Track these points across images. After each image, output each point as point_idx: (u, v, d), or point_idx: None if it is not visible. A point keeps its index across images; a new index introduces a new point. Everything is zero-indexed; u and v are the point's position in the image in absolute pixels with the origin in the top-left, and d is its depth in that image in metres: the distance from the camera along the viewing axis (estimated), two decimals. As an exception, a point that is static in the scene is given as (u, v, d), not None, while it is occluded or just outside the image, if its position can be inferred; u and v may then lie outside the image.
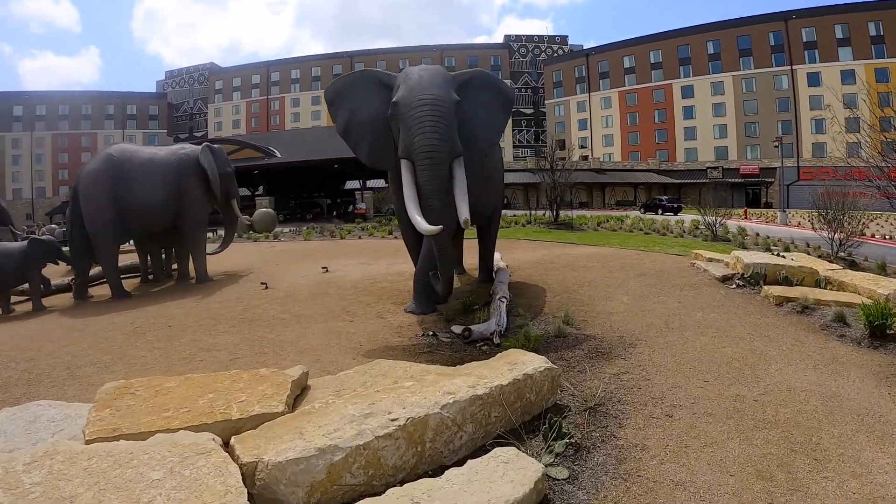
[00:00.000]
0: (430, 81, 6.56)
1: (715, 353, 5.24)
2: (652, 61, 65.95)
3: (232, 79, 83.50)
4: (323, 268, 11.87)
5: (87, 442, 3.17)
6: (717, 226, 17.12)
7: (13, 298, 10.52)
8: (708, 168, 58.75)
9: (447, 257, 6.96)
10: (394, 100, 6.58)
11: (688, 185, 53.53)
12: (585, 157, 66.34)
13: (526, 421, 3.75)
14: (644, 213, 38.07)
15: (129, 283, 12.07)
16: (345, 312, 8.04)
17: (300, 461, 2.74)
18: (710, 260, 9.99)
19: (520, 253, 13.44)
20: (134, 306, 9.57)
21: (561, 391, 4.31)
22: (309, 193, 44.87)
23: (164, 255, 12.98)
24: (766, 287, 7.59)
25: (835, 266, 9.24)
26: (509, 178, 53.87)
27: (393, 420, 3.06)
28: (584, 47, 77.36)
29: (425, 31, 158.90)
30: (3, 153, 71.85)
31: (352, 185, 46.94)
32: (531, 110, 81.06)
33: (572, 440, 3.40)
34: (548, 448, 3.31)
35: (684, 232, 18.05)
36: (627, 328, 6.34)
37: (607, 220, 22.31)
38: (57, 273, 12.37)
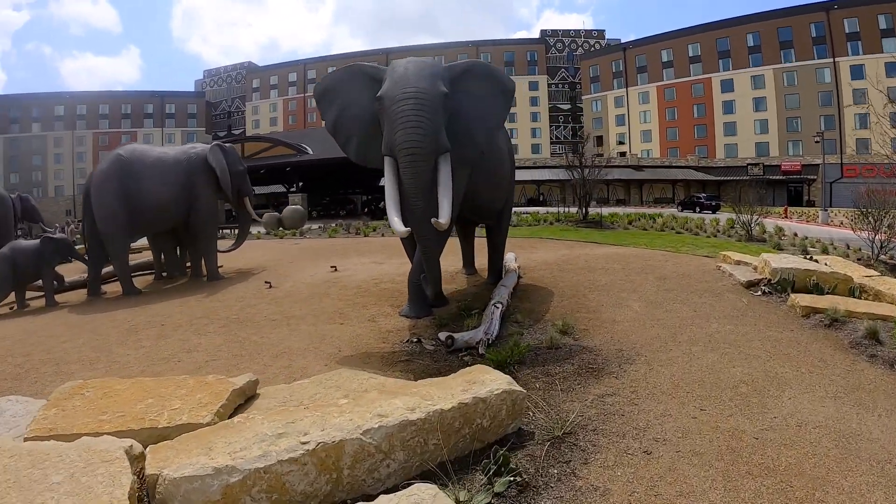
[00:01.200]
0: (415, 74, 6.15)
1: (721, 374, 4.60)
2: (690, 55, 63.48)
3: (269, 77, 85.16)
4: (332, 267, 11.60)
5: (25, 439, 3.17)
6: (752, 225, 16.02)
7: (29, 294, 10.68)
8: (748, 165, 56.09)
9: (433, 260, 6.58)
10: (378, 94, 6.19)
11: (727, 182, 51.26)
12: (623, 154, 64.46)
13: (477, 449, 3.28)
14: (681, 211, 36.56)
15: (143, 280, 12.23)
16: (338, 314, 7.72)
17: (195, 479, 2.53)
18: (738, 263, 9.18)
19: (539, 253, 12.85)
20: (139, 304, 9.58)
21: (532, 413, 3.80)
22: (344, 190, 45.06)
23: (178, 253, 12.95)
24: (793, 295, 6.80)
25: (872, 273, 8.26)
26: (544, 174, 53.66)
27: (304, 443, 2.76)
28: (622, 41, 74.99)
29: (463, 27, 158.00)
30: (45, 152, 75.58)
31: None
32: (568, 106, 79.38)
33: (519, 478, 2.89)
34: (487, 486, 2.82)
35: (718, 231, 17.00)
36: (629, 340, 5.74)
37: (639, 219, 21.31)
38: (77, 270, 12.51)
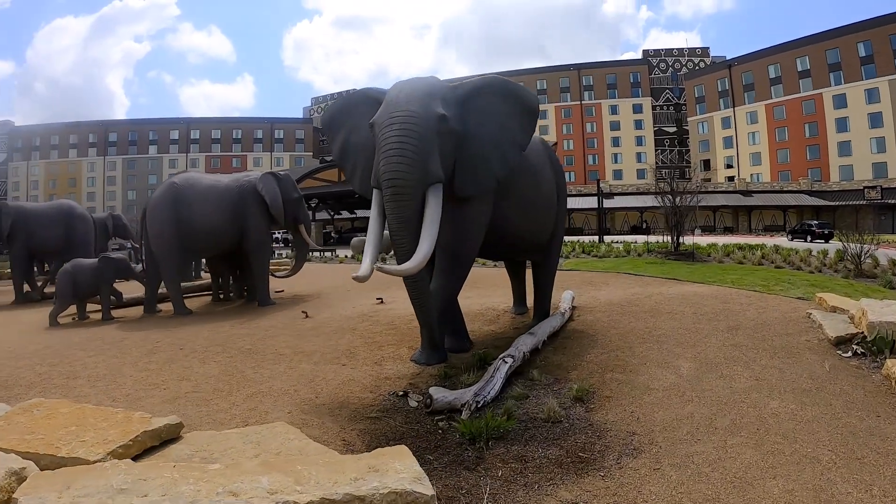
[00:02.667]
0: (408, 95, 5.57)
1: (753, 491, 3.28)
2: (799, 69, 57.42)
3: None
4: (378, 298, 11.09)
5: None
6: (863, 257, 13.31)
7: (90, 307, 11.35)
8: (865, 188, 49.23)
9: (422, 306, 5.85)
10: (370, 120, 5.65)
11: (843, 207, 45.09)
12: (732, 178, 59.25)
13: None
14: (791, 239, 32.34)
15: (200, 301, 12.69)
16: (347, 354, 7.20)
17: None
18: (834, 309, 7.35)
19: (607, 290, 11.52)
20: (179, 325, 9.82)
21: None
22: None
23: (236, 277, 13.27)
24: (890, 361, 5.07)
25: None
26: (648, 201, 50.56)
27: None
28: (727, 58, 69.59)
29: (570, 50, 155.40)
30: (160, 172, 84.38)
31: None
32: (674, 129, 74.95)
33: None
34: None
35: (824, 265, 14.33)
36: (652, 419, 4.52)
37: (737, 250, 18.79)
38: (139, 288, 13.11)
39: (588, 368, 6.00)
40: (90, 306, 11.22)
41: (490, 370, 5.39)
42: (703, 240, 25.95)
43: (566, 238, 39.72)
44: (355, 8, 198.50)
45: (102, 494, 2.66)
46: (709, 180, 56.82)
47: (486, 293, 11.53)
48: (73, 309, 10.97)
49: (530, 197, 7.19)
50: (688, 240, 19.65)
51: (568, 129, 78.53)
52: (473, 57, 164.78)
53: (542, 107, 77.49)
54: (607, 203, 51.26)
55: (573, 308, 9.06)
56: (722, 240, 26.12)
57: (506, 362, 5.53)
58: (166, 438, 3.85)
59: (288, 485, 2.72)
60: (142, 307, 11.49)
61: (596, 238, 34.92)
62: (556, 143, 51.29)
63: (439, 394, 4.89)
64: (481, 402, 4.82)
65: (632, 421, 4.49)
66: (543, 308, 8.41)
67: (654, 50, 79.10)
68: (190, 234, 10.97)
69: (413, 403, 5.11)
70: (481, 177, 5.93)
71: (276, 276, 13.16)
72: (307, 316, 9.78)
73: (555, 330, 7.41)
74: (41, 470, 3.10)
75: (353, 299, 11.47)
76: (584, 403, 4.91)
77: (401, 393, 5.42)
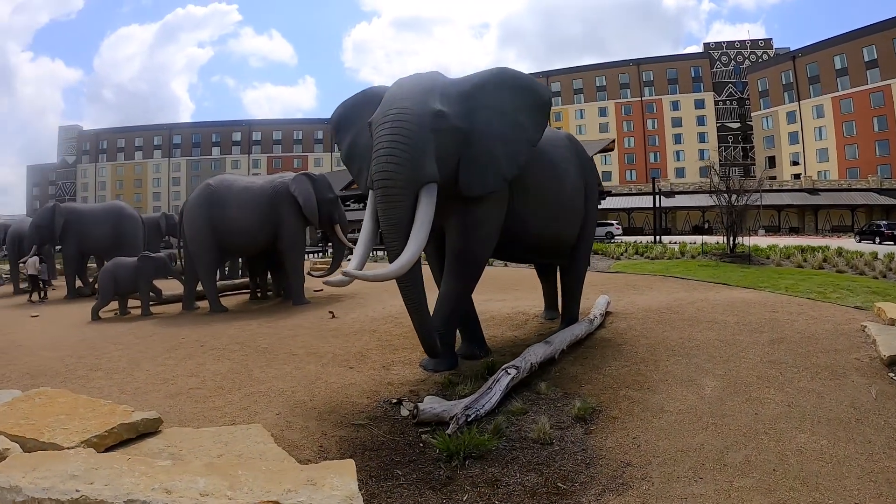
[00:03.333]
0: (405, 92, 5.36)
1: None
2: (866, 59, 52.42)
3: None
4: None
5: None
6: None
7: (131, 303, 11.91)
8: None
9: (417, 310, 5.53)
10: (368, 119, 5.49)
11: None
12: (798, 176, 55.48)
13: None
14: (859, 241, 29.73)
15: (238, 300, 13.02)
16: (358, 357, 7.10)
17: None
18: (893, 322, 6.53)
19: (649, 295, 10.90)
20: (209, 322, 10.11)
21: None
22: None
23: (273, 276, 13.48)
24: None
25: None
26: (709, 200, 47.92)
27: (76, 491, 2.74)
28: (791, 49, 65.03)
29: (629, 45, 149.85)
30: (224, 173, 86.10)
31: None
32: (737, 124, 70.76)
33: None
34: None
35: (889, 269, 12.93)
36: (655, 447, 4.06)
37: (799, 252, 17.40)
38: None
39: (603, 383, 5.55)
40: (133, 302, 11.69)
41: (489, 381, 5.07)
42: (765, 241, 24.25)
43: (624, 238, 38.70)
44: (413, 9, 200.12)
45: (56, 478, 2.87)
46: (774, 178, 53.35)
47: (519, 296, 11.10)
48: (116, 304, 11.52)
49: (551, 196, 6.77)
50: (748, 241, 18.40)
51: (628, 126, 75.63)
52: (532, 55, 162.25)
53: (601, 104, 75.53)
54: (668, 202, 49.43)
55: (607, 314, 8.55)
56: (784, 241, 24.28)
57: (508, 374, 5.17)
58: (144, 432, 4.03)
59: (221, 489, 2.77)
60: (181, 304, 11.90)
61: (654, 238, 33.60)
62: (613, 141, 49.50)
63: (429, 404, 4.62)
64: (472, 416, 4.52)
65: (631, 449, 4.04)
66: (571, 314, 7.94)
67: (714, 43, 74.84)
68: (224, 235, 11.30)
69: (405, 412, 4.89)
70: (488, 176, 5.60)
71: (311, 276, 13.28)
72: (333, 316, 9.78)
73: (577, 338, 6.94)
74: (24, 451, 3.41)
75: (386, 300, 11.32)
76: (586, 424, 4.51)
77: (394, 400, 5.22)
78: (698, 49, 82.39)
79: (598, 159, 54.02)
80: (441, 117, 5.16)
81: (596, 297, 9.20)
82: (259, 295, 13.22)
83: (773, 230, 45.82)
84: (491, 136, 5.61)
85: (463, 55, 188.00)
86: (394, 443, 4.26)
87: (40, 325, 10.61)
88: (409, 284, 5.34)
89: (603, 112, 75.79)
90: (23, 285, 16.39)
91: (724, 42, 74.54)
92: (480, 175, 5.56)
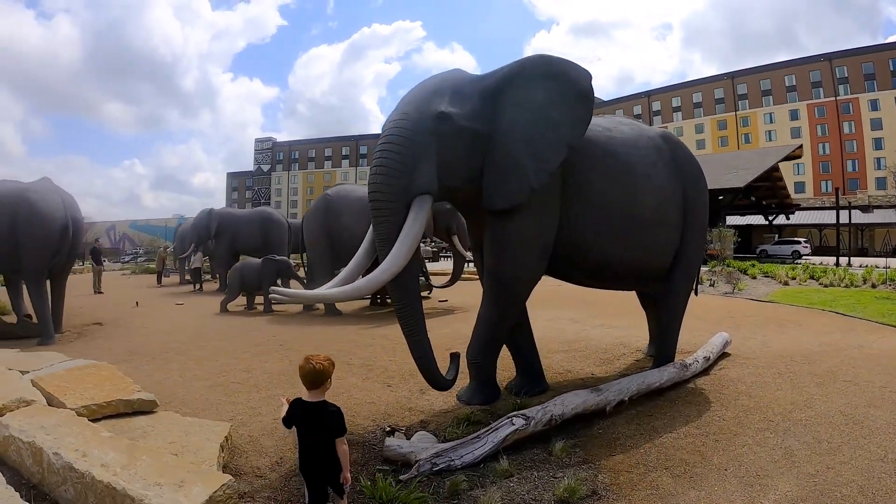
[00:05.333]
0: (410, 95, 5.04)
1: None
2: None
3: (614, 111, 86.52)
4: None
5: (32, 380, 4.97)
6: None
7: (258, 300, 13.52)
8: None
9: (409, 331, 5.01)
10: None
11: None
12: None
13: None
14: None
15: (359, 305, 13.72)
16: (406, 375, 6.95)
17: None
18: None
19: (792, 333, 9.02)
20: (310, 324, 10.99)
21: None
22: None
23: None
24: None
25: None
26: None
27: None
28: None
29: (823, 38, 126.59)
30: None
31: (748, 219, 42.45)
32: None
33: None
34: None
35: None
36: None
37: None
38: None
39: (639, 457, 4.34)
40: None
41: (485, 429, 4.41)
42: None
43: (811, 258, 32.66)
44: (591, 13, 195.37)
45: (32, 426, 3.74)
46: None
47: (633, 324, 9.53)
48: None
49: (618, 208, 5.67)
50: None
51: (822, 130, 65.44)
52: (719, 55, 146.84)
53: (792, 106, 67.44)
54: (863, 218, 45.14)
55: (721, 357, 7.21)
56: None
57: (512, 424, 4.40)
58: (139, 410, 4.65)
59: (118, 464, 3.24)
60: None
61: (845, 260, 28.47)
62: (800, 147, 42.34)
63: (396, 442, 4.26)
64: (441, 466, 3.93)
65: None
66: (664, 353, 6.64)
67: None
68: (339, 242, 12.22)
69: (392, 444, 4.57)
70: (511, 185, 4.93)
71: (430, 284, 13.72)
72: (423, 330, 9.82)
73: (650, 388, 5.84)
74: (47, 405, 4.40)
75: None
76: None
77: (387, 429, 4.86)
78: (899, 38, 67.42)
79: (788, 168, 46.95)
80: (444, 119, 4.71)
81: (729, 332, 7.81)
82: (378, 301, 13.83)
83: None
84: (514, 138, 4.95)
85: (646, 59, 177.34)
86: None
87: (177, 312, 12.78)
88: (404, 306, 4.93)
89: (794, 115, 67.41)
90: (187, 277, 20.13)
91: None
92: (502, 184, 4.93)
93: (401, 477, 3.89)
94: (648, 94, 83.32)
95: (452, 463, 4.07)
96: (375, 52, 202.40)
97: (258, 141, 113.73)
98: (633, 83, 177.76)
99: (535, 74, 5.12)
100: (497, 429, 4.41)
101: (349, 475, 3.12)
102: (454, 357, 5.50)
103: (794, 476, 3.87)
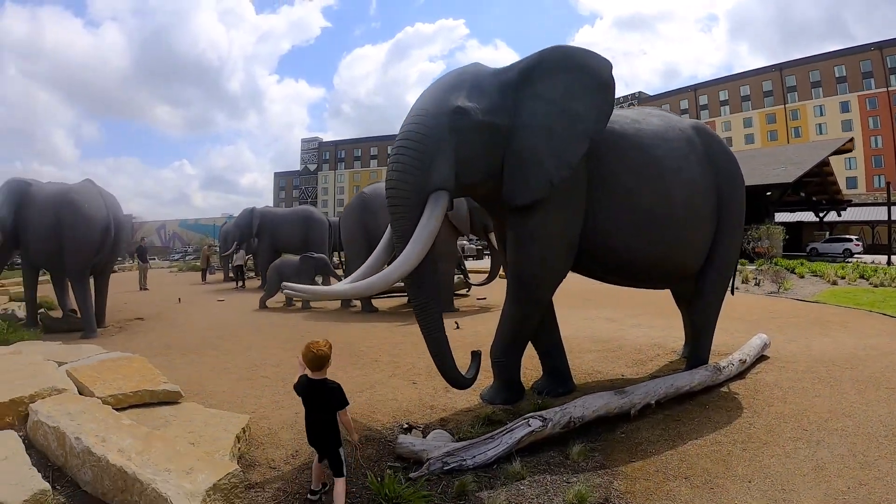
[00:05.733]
0: (428, 91, 5.00)
1: None
2: None
3: (660, 106, 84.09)
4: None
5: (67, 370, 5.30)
6: None
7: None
8: None
9: (428, 330, 4.94)
10: None
11: None
12: None
13: None
14: None
15: (397, 302, 13.81)
16: (433, 372, 6.80)
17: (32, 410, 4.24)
18: None
19: (836, 335, 8.57)
20: (344, 321, 11.24)
21: None
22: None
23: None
24: None
25: None
26: None
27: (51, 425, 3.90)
28: None
29: (873, 26, 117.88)
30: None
31: (798, 216, 40.66)
32: None
33: None
34: None
35: None
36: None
37: None
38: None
39: (660, 464, 4.19)
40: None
41: (500, 430, 4.36)
42: None
43: (863, 257, 30.75)
44: (633, 6, 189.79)
45: (61, 412, 4.02)
46: None
47: (674, 324, 9.33)
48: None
49: (646, 202, 5.47)
50: None
51: (874, 123, 61.36)
52: (766, 46, 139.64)
53: (843, 97, 64.20)
54: None
55: (759, 359, 6.96)
56: None
57: (528, 425, 4.34)
58: (164, 400, 4.90)
59: (134, 450, 3.43)
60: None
61: (888, 260, 26.85)
62: (851, 140, 39.82)
63: (409, 439, 4.27)
64: (452, 466, 3.93)
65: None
66: (697, 355, 6.40)
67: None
68: (375, 239, 12.22)
69: (403, 441, 4.58)
70: (530, 180, 4.85)
71: (468, 282, 13.73)
72: (458, 327, 9.77)
73: (682, 391, 5.59)
74: (78, 393, 4.69)
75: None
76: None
77: (405, 426, 4.89)
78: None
79: (839, 163, 44.48)
80: (462, 114, 4.65)
81: (770, 334, 7.58)
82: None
83: None
84: (534, 132, 4.85)
85: (692, 51, 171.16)
86: (348, 469, 3.96)
87: (217, 308, 13.24)
88: (420, 303, 4.89)
89: (845, 107, 63.76)
90: (230, 274, 20.81)
91: None
92: (522, 179, 4.86)
93: (410, 475, 3.89)
94: (695, 88, 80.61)
95: (464, 463, 4.04)
96: (419, 50, 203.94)
97: (304, 141, 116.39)
98: (680, 77, 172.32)
99: (554, 66, 5.01)
100: (512, 430, 4.36)
101: (356, 436, 3.74)
102: (475, 355, 5.44)
103: (823, 492, 3.64)
